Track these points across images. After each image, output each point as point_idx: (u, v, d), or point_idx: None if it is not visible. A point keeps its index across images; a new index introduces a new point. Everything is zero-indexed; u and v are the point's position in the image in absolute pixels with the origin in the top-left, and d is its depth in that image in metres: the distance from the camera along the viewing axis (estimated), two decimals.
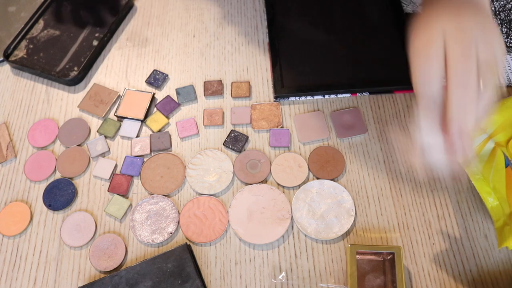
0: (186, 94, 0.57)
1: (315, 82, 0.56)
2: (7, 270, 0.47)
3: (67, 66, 0.59)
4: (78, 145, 0.54)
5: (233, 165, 0.51)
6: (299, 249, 0.47)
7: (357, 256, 0.45)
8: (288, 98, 0.56)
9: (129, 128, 0.55)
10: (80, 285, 0.46)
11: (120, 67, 0.60)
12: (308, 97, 0.56)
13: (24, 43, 0.60)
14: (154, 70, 0.59)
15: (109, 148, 0.54)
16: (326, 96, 0.56)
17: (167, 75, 0.59)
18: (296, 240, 0.47)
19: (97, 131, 0.55)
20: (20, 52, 0.60)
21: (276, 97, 0.56)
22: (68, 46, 0.61)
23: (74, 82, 0.58)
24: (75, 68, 0.59)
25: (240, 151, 0.52)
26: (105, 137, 0.54)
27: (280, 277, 0.45)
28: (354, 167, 0.51)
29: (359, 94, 0.56)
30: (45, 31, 0.61)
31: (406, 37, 0.58)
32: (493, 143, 0.46)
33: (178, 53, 0.61)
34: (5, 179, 0.53)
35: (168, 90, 0.58)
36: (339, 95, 0.56)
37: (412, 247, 0.46)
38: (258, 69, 0.59)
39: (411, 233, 0.47)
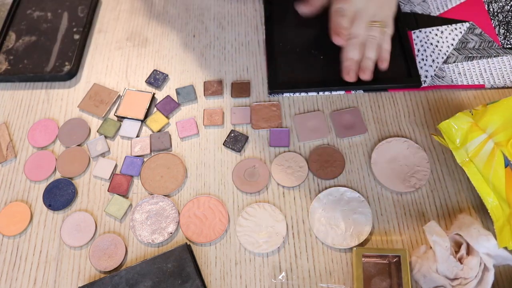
0: (186, 94, 0.57)
1: (309, 79, 0.56)
2: (7, 270, 0.47)
3: (57, 64, 0.59)
4: (78, 145, 0.54)
5: (234, 182, 0.51)
6: (299, 249, 0.47)
7: (363, 259, 0.44)
8: (283, 94, 0.56)
9: (129, 128, 0.55)
10: (80, 285, 0.46)
11: (120, 67, 0.60)
12: (303, 94, 0.56)
13: (2, 56, 0.60)
14: (154, 70, 0.59)
15: (109, 148, 0.54)
16: (321, 93, 0.56)
17: (167, 75, 0.59)
18: (296, 240, 0.47)
19: (97, 131, 0.55)
20: (2, 66, 0.60)
21: (270, 93, 0.56)
22: (50, 47, 0.61)
23: (70, 75, 0.59)
24: (66, 63, 0.59)
25: (239, 151, 0.52)
26: (105, 137, 0.54)
27: (280, 277, 0.45)
28: (354, 167, 0.51)
29: (353, 92, 0.56)
30: (20, 40, 0.62)
31: (402, 36, 0.58)
32: (492, 143, 0.46)
33: (178, 53, 0.61)
34: (5, 179, 0.53)
35: (168, 90, 0.58)
36: (333, 92, 0.56)
37: (412, 247, 0.46)
38: (258, 69, 0.59)
39: (411, 233, 0.47)
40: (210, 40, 0.62)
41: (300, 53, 0.59)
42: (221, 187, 0.51)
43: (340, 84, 0.55)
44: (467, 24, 0.60)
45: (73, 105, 0.57)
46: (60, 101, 0.58)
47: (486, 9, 0.62)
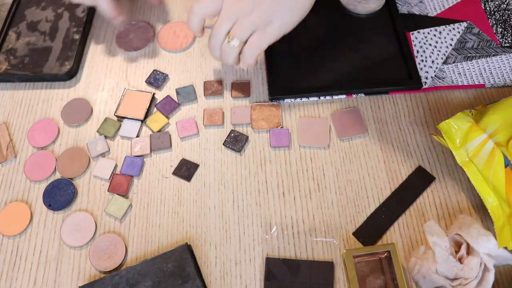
0: (186, 94, 0.57)
1: (310, 84, 0.56)
2: (7, 270, 0.47)
3: (57, 64, 0.59)
4: (80, 125, 0.54)
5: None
6: (299, 249, 0.47)
7: (354, 259, 0.45)
8: (284, 100, 0.56)
9: (129, 128, 0.55)
10: (80, 285, 0.46)
11: (120, 67, 0.60)
12: (304, 99, 0.56)
13: (2, 56, 0.60)
14: (154, 70, 0.59)
15: (109, 148, 0.54)
16: (322, 98, 0.56)
17: (167, 75, 0.59)
18: (296, 240, 0.47)
19: (97, 131, 0.55)
20: (2, 66, 0.60)
21: (271, 99, 0.56)
22: (50, 47, 0.61)
23: (70, 76, 0.59)
24: (66, 63, 0.59)
25: (239, 151, 0.52)
26: (105, 137, 0.54)
27: (272, 231, 0.46)
28: (354, 167, 0.51)
29: (354, 96, 0.56)
30: (20, 40, 0.62)
31: (401, 37, 0.59)
32: (492, 143, 0.46)
33: (178, 53, 0.61)
34: (5, 179, 0.53)
35: (168, 90, 0.58)
36: (335, 96, 0.56)
37: (412, 247, 0.46)
38: (258, 69, 0.59)
39: (411, 233, 0.47)
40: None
41: (299, 58, 0.59)
42: (221, 187, 0.51)
43: (341, 88, 0.55)
44: (464, 24, 0.60)
45: None
46: (60, 101, 0.58)
47: (483, 8, 0.61)
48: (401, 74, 0.57)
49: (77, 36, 0.62)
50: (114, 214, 0.49)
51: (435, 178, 0.50)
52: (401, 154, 0.52)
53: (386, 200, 0.49)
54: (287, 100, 0.56)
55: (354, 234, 0.47)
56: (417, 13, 0.62)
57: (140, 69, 0.60)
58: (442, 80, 0.56)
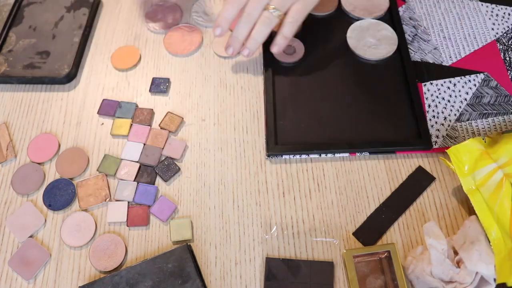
0: (126, 110, 0.56)
1: (311, 140, 0.52)
2: (7, 270, 0.47)
3: (56, 66, 0.59)
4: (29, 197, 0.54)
5: None
6: (299, 249, 0.47)
7: (354, 259, 0.45)
8: (282, 156, 0.52)
9: (131, 150, 0.53)
10: (80, 285, 0.46)
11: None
12: (303, 156, 0.52)
13: (2, 58, 0.60)
14: (153, 78, 0.59)
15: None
16: (323, 155, 0.52)
17: (169, 79, 0.59)
18: (296, 240, 0.47)
19: (97, 170, 0.52)
20: (2, 67, 0.59)
21: (268, 155, 0.52)
22: (49, 49, 0.61)
23: (68, 79, 0.59)
24: (65, 67, 0.59)
25: (167, 181, 0.51)
26: (106, 175, 0.52)
27: (272, 231, 0.47)
28: (354, 167, 0.51)
29: (358, 154, 0.52)
30: (20, 42, 0.61)
31: (412, 89, 0.53)
32: (501, 174, 0.44)
33: (179, 54, 0.61)
34: (5, 179, 0.53)
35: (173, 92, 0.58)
36: (337, 155, 0.52)
37: (412, 247, 0.46)
38: (259, 68, 0.59)
39: (411, 233, 0.47)
40: (210, 39, 0.62)
41: (301, 112, 0.54)
42: (221, 187, 0.51)
43: (344, 145, 0.51)
44: (481, 76, 0.55)
45: (73, 105, 0.57)
46: (60, 101, 0.58)
47: (502, 58, 0.56)
48: (410, 132, 0.52)
49: (77, 39, 0.61)
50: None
51: (435, 178, 0.50)
52: (401, 154, 0.52)
53: (386, 200, 0.49)
54: (285, 156, 0.52)
55: (354, 234, 0.47)
56: (431, 61, 0.57)
57: (140, 69, 0.60)
58: (454, 140, 0.51)
